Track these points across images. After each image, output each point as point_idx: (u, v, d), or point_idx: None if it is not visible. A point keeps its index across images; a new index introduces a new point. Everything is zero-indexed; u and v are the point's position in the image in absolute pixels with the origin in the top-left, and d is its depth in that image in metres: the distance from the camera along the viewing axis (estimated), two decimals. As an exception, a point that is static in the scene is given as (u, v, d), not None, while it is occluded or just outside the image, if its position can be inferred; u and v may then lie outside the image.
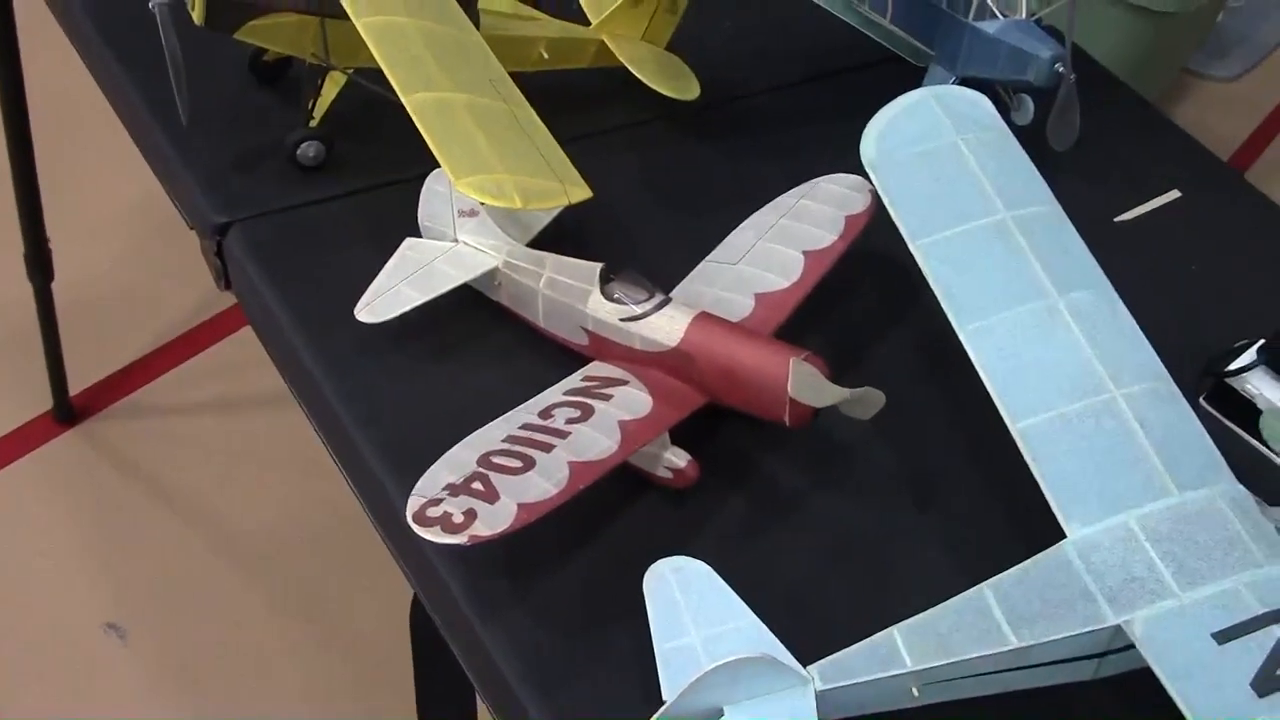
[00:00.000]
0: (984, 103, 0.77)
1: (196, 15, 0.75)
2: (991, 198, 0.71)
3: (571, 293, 0.70)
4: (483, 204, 0.71)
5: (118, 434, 1.63)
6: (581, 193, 0.71)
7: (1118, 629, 0.58)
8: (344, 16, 0.75)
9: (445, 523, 0.57)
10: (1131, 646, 0.58)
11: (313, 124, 0.80)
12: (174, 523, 1.58)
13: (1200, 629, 0.57)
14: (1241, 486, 0.63)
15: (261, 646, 1.45)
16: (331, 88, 0.80)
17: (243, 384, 1.73)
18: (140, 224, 1.80)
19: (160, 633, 1.46)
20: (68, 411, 1.58)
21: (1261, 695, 0.54)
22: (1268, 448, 0.75)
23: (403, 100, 0.69)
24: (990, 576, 0.60)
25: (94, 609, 1.46)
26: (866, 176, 0.76)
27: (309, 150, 0.80)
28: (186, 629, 1.46)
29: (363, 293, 0.72)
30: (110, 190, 1.82)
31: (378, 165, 0.82)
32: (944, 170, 0.73)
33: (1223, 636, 0.56)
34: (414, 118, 0.68)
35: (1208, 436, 0.64)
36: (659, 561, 0.61)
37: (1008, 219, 0.70)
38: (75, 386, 1.60)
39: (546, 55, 0.86)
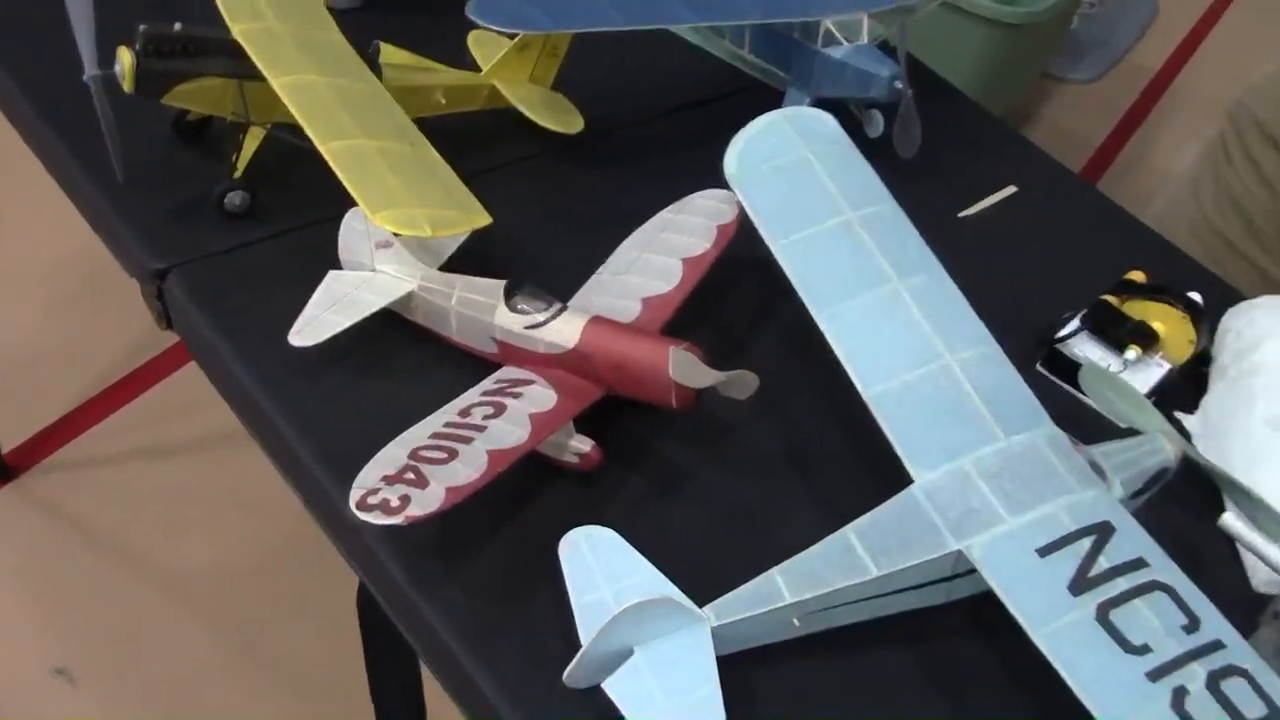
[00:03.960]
0: (829, 120, 0.88)
1: (127, 84, 0.84)
2: (838, 201, 0.82)
3: (480, 308, 0.79)
4: (397, 235, 0.81)
5: (53, 487, 1.68)
6: (483, 219, 0.81)
7: (960, 554, 0.69)
8: (260, 78, 0.84)
9: (384, 507, 0.66)
10: (974, 571, 0.69)
11: (236, 175, 0.89)
12: (116, 568, 1.63)
13: (1026, 547, 0.68)
14: (1058, 429, 0.74)
15: (208, 681, 1.51)
16: (251, 142, 0.88)
17: (171, 431, 1.79)
18: (65, 280, 1.85)
19: (108, 674, 1.52)
20: (1, 469, 1.63)
21: (1076, 594, 0.65)
22: (1088, 398, 0.87)
23: (320, 149, 0.78)
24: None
25: (42, 654, 1.52)
26: (732, 191, 0.87)
27: (235, 199, 0.89)
28: (134, 669, 1.52)
29: (294, 322, 0.80)
30: (33, 247, 1.87)
31: (298, 208, 0.90)
32: (797, 180, 0.83)
33: (1044, 551, 0.67)
34: (331, 163, 0.77)
35: (1028, 390, 0.75)
36: (572, 531, 0.71)
37: (853, 219, 0.81)
38: (7, 444, 1.66)
39: (444, 101, 0.96)
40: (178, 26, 0.84)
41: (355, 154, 0.78)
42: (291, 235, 0.90)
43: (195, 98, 0.86)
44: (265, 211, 0.90)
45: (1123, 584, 0.65)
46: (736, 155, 0.85)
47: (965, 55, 2.18)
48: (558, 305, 0.78)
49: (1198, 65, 2.98)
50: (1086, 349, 0.90)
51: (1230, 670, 0.62)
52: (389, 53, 0.93)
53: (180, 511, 1.70)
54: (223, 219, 0.89)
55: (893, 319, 0.77)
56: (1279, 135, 1.13)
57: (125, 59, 0.83)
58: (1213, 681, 0.61)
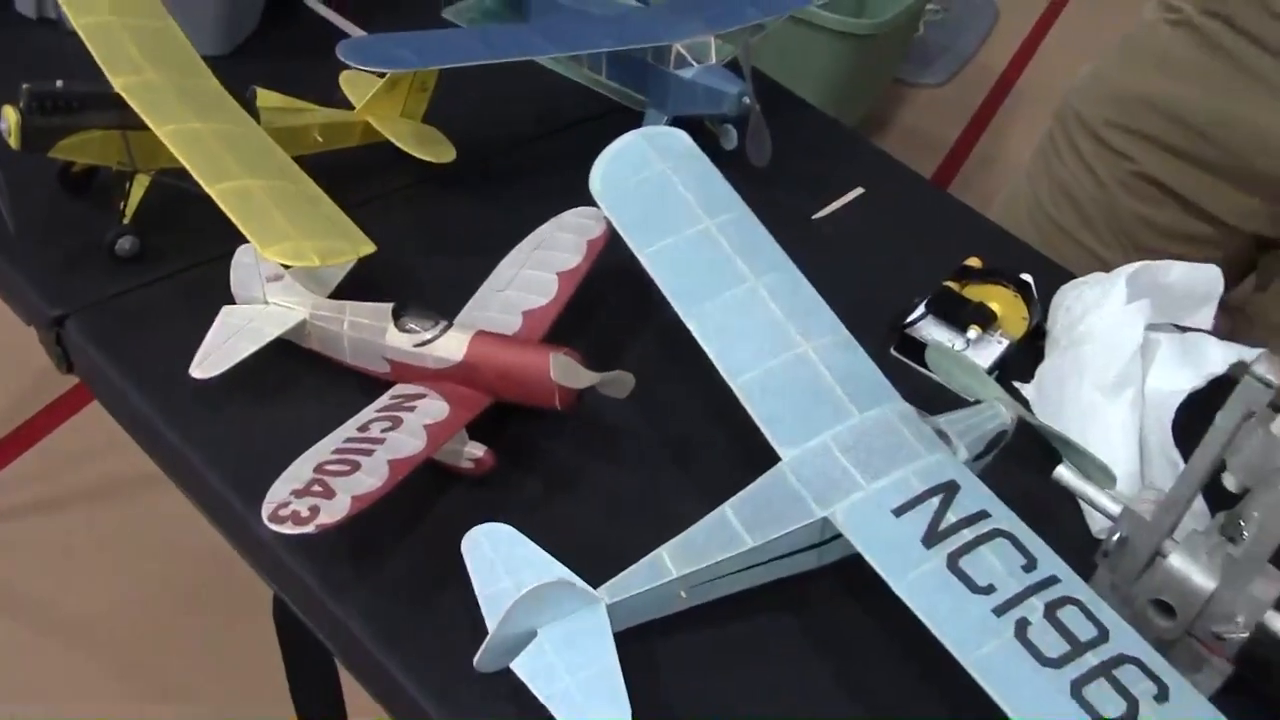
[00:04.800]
0: (683, 137, 0.95)
1: (14, 141, 0.87)
2: (696, 211, 0.89)
3: (371, 330, 0.84)
4: (287, 267, 0.86)
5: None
6: (368, 247, 0.86)
7: (826, 521, 0.76)
8: (143, 127, 0.88)
9: (295, 518, 0.71)
10: (840, 536, 0.76)
11: (126, 221, 0.93)
12: (16, 621, 1.64)
13: (883, 509, 0.75)
14: (906, 403, 0.81)
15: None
16: (138, 189, 0.92)
17: (60, 483, 1.80)
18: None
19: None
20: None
21: (929, 547, 0.73)
22: (936, 375, 0.95)
23: (208, 191, 0.83)
24: (730, 500, 0.78)
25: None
26: (599, 208, 0.93)
27: (125, 244, 0.92)
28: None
29: (192, 356, 0.85)
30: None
31: (187, 249, 0.94)
32: (657, 194, 0.90)
33: (899, 511, 0.74)
34: (220, 204, 0.82)
35: (877, 369, 0.83)
36: (473, 529, 0.76)
37: (710, 226, 0.88)
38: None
39: (320, 139, 1.00)
40: (60, 84, 0.88)
41: (242, 194, 0.83)
42: (183, 275, 0.94)
43: (81, 150, 0.90)
44: (156, 254, 0.94)
45: (968, 534, 0.73)
46: (600, 174, 0.92)
47: (818, 68, 2.29)
48: (444, 323, 0.84)
49: (1037, 65, 3.14)
50: (933, 331, 0.98)
51: (1064, 600, 0.70)
52: (265, 96, 0.97)
53: (76, 561, 1.71)
54: (115, 264, 0.93)
55: (752, 314, 0.84)
56: (1099, 129, 1.23)
57: (11, 117, 0.87)
58: (1049, 611, 0.69)
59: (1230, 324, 1.29)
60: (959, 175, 2.76)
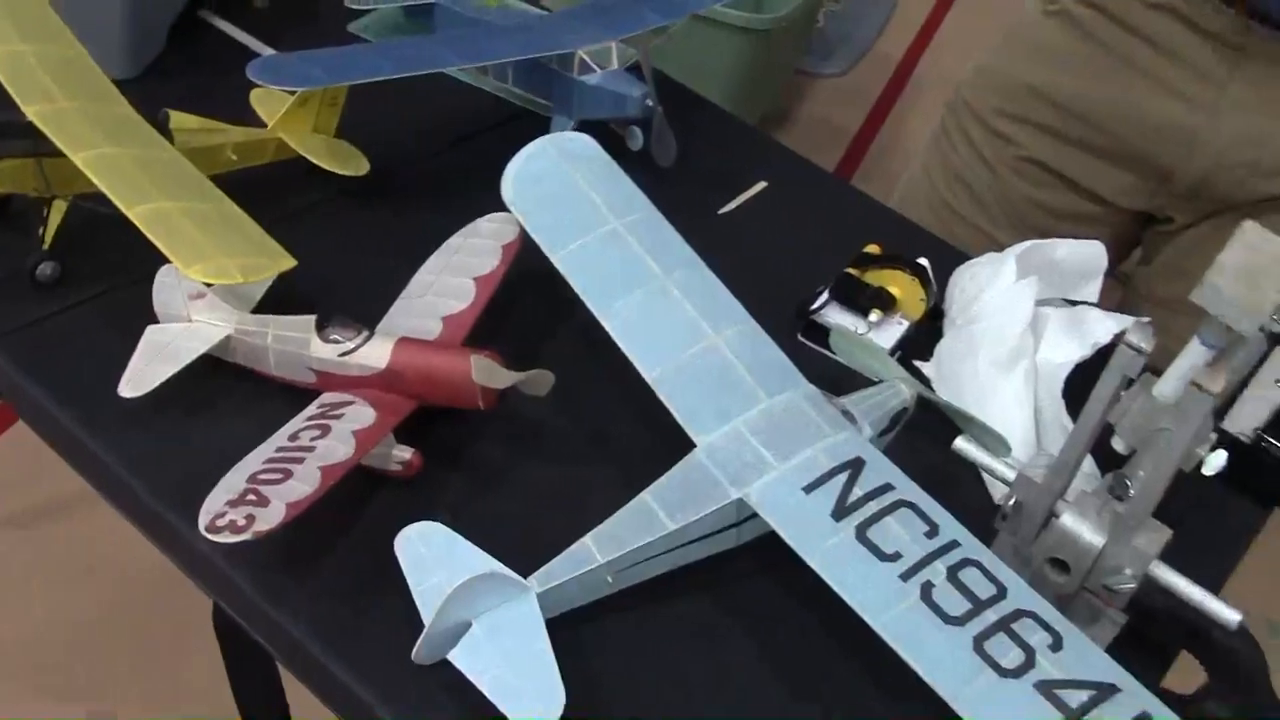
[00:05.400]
0: (589, 141, 0.98)
1: (-71, 177, 0.89)
2: (604, 212, 0.93)
3: (295, 343, 0.87)
4: (209, 285, 0.88)
5: None
6: (288, 262, 0.88)
7: (741, 502, 0.80)
8: (58, 154, 0.90)
9: (231, 527, 0.73)
10: (755, 515, 0.80)
11: (45, 247, 0.94)
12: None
13: (794, 487, 0.79)
14: (812, 386, 0.86)
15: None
16: (56, 215, 0.94)
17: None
18: None
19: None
20: None
21: (838, 520, 0.77)
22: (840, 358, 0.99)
23: (128, 214, 0.85)
24: (650, 488, 0.81)
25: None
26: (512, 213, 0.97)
27: (46, 269, 0.94)
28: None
29: (119, 376, 0.87)
30: None
31: (108, 271, 0.96)
32: (566, 198, 0.94)
33: (809, 488, 0.79)
34: (140, 227, 0.84)
35: (784, 356, 0.87)
36: (405, 529, 0.79)
37: (619, 226, 0.92)
38: None
39: (235, 157, 1.02)
40: (-29, 116, 0.90)
41: (161, 216, 0.85)
42: (106, 297, 0.95)
43: (-2, 179, 0.91)
44: (77, 278, 0.96)
45: (874, 506, 0.77)
46: (511, 181, 0.95)
47: (721, 64, 2.34)
48: (366, 331, 0.87)
49: (934, 52, 3.22)
50: (837, 316, 1.03)
51: (965, 563, 0.75)
52: (178, 119, 0.99)
53: (7, 581, 1.71)
54: (37, 289, 0.94)
55: (664, 310, 0.88)
56: (988, 117, 1.29)
57: (-76, 151, 0.88)
58: (951, 574, 0.74)
59: (1121, 296, 1.36)
60: (863, 162, 2.82)
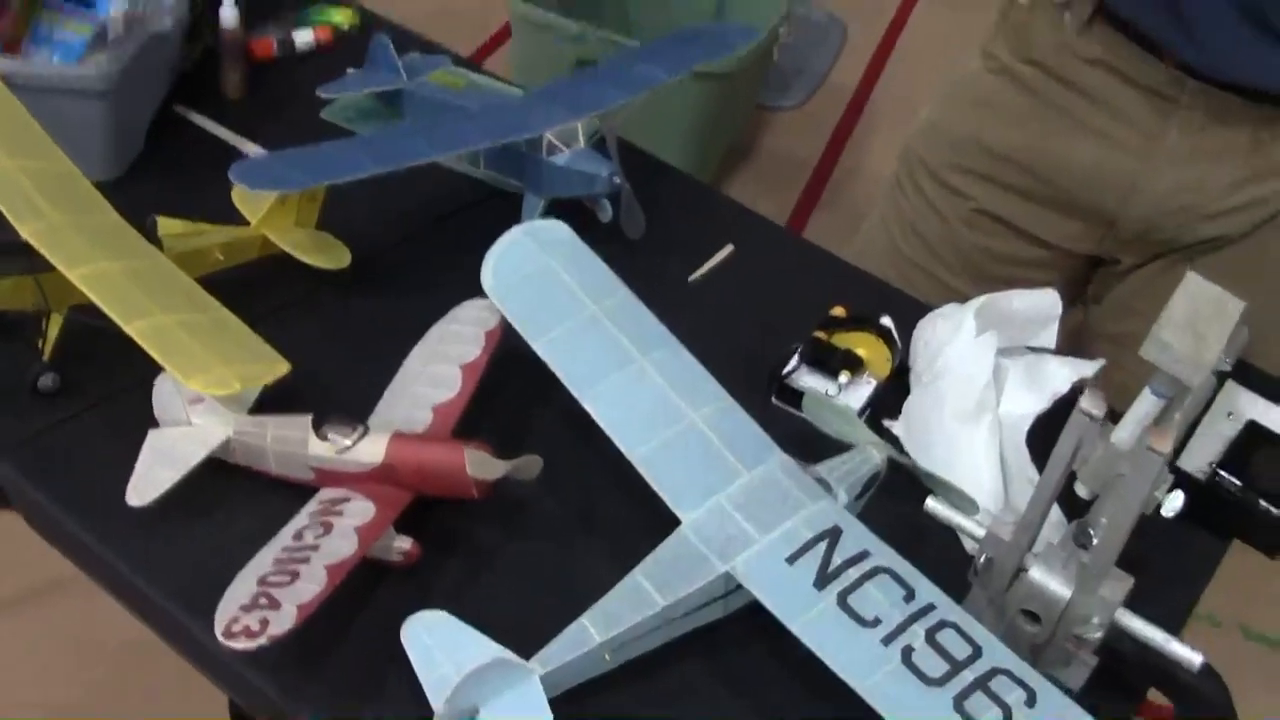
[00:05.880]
0: (563, 228, 1.03)
1: (-70, 296, 0.92)
2: (581, 299, 0.97)
3: (293, 442, 0.91)
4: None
5: None
6: (282, 366, 0.92)
7: (728, 575, 0.84)
8: (52, 269, 0.94)
9: (247, 633, 0.77)
10: (741, 587, 0.85)
11: (45, 360, 0.98)
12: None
13: (777, 558, 0.84)
14: (786, 456, 0.90)
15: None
16: (54, 328, 0.97)
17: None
18: None
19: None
20: None
21: (820, 589, 0.82)
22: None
23: (126, 330, 0.89)
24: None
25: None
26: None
27: (47, 380, 0.98)
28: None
29: (124, 480, 0.90)
30: None
31: (107, 378, 0.99)
32: (544, 285, 0.98)
33: (791, 559, 0.83)
34: (139, 342, 0.88)
35: (759, 429, 0.92)
36: (409, 619, 0.83)
37: (596, 311, 0.96)
38: None
39: (222, 257, 1.06)
40: (-31, 238, 0.93)
41: (158, 330, 0.89)
42: (106, 404, 0.99)
43: (-4, 297, 0.95)
44: (77, 386, 0.99)
45: (854, 574, 0.82)
46: (491, 271, 1.00)
47: (686, 108, 2.39)
48: (361, 428, 0.91)
49: (887, 79, 3.29)
50: (808, 379, 1.07)
51: (941, 625, 0.79)
52: (165, 224, 1.03)
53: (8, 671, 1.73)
54: (39, 400, 0.98)
55: (643, 390, 0.93)
56: (939, 171, 1.34)
57: (-74, 275, 0.92)
58: (930, 636, 0.79)
59: (1071, 341, 1.41)
60: (825, 193, 2.88)
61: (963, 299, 1.23)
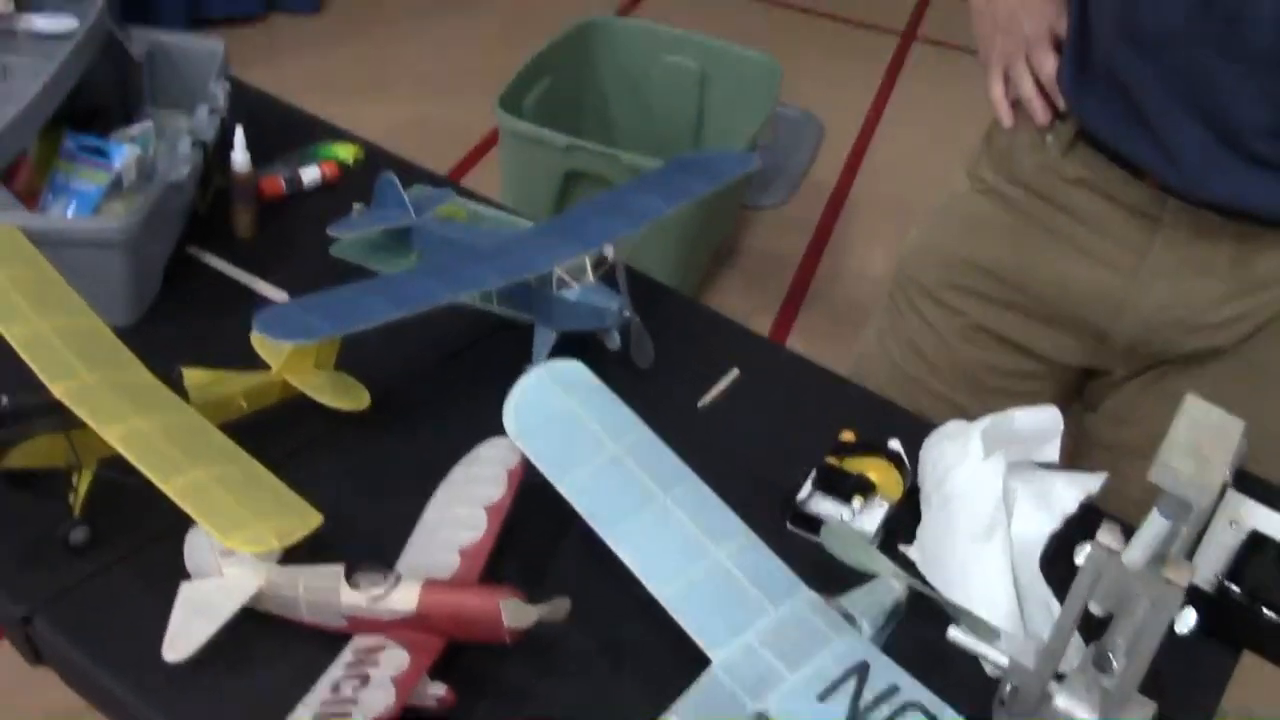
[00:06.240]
0: (581, 368, 1.06)
1: (-38, 465, 0.94)
2: (602, 438, 1.00)
3: (326, 592, 0.92)
4: (244, 547, 0.93)
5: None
6: (315, 519, 0.94)
7: (760, 714, 0.86)
8: (83, 425, 0.96)
9: (293, 793, 0.78)
10: (774, 721, 0.87)
11: (76, 515, 0.99)
12: None
13: (809, 695, 0.85)
14: (812, 592, 0.93)
15: None
16: (84, 483, 0.99)
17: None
18: None
19: None
20: None
21: (852, 727, 0.84)
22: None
23: (163, 488, 0.91)
24: (671, 703, 0.87)
25: None
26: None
27: (78, 535, 0.99)
28: None
29: (157, 632, 0.91)
30: None
31: (135, 528, 1.00)
32: (565, 426, 1.01)
33: (822, 696, 0.85)
34: (176, 500, 0.90)
35: (783, 564, 0.94)
36: (448, 769, 0.85)
37: (617, 451, 0.99)
38: None
39: (245, 405, 1.09)
40: (4, 400, 0.95)
41: (194, 487, 0.91)
42: (137, 556, 1.00)
43: (29, 456, 0.96)
44: (107, 538, 1.01)
45: (885, 709, 0.84)
46: (513, 412, 1.02)
47: (673, 218, 2.42)
48: (394, 575, 0.92)
49: (865, 175, 3.36)
50: (822, 505, 1.10)
51: (972, 758, 0.81)
52: (190, 375, 1.05)
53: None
54: (71, 554, 0.99)
55: (667, 529, 0.95)
56: (934, 289, 1.38)
57: (-39, 440, 0.94)
58: (962, 769, 0.80)
59: (1071, 443, 1.44)
60: (810, 290, 2.93)
61: (961, 411, 1.27)
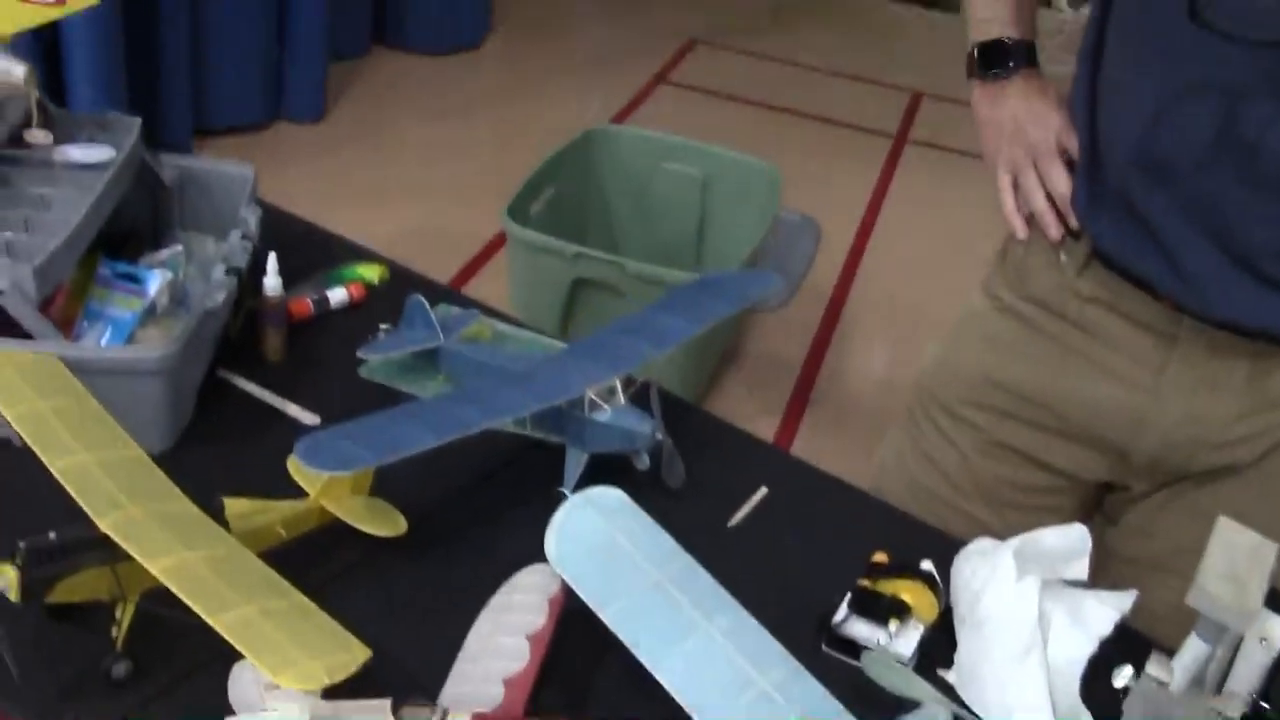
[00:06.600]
0: (620, 495, 1.07)
1: (14, 596, 0.94)
2: (644, 566, 1.01)
3: (373, 726, 0.93)
4: (295, 684, 0.93)
5: None
6: (364, 654, 0.94)
7: (813, 847, 0.86)
8: (129, 558, 0.96)
9: None
10: None
11: (118, 648, 0.99)
12: None
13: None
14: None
15: None
16: (127, 615, 0.99)
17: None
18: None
19: None
20: None
21: None
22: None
23: (211, 623, 0.91)
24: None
25: None
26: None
27: (119, 669, 0.99)
28: None
29: (201, 770, 0.91)
30: None
31: (177, 660, 1.00)
32: (608, 554, 1.02)
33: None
34: (226, 636, 0.90)
35: (828, 693, 0.94)
36: None
37: (660, 579, 1.00)
38: None
39: (284, 532, 1.09)
40: (53, 535, 0.96)
41: (243, 622, 0.91)
42: (178, 689, 1.00)
43: (75, 589, 0.97)
44: (148, 672, 1.00)
45: (940, 842, 0.84)
46: (555, 539, 1.03)
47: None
48: (440, 710, 0.93)
49: (863, 277, 3.40)
50: (857, 628, 1.10)
51: None
52: (231, 505, 1.06)
53: None
54: (113, 688, 0.99)
55: (712, 657, 0.95)
56: (953, 406, 1.40)
57: (10, 575, 0.94)
58: None
59: (1092, 556, 1.45)
60: (813, 393, 2.95)
61: (980, 525, 1.28)
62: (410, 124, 3.91)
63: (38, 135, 1.31)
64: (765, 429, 2.74)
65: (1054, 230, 1.28)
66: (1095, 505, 1.44)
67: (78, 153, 1.31)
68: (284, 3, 3.60)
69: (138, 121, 1.41)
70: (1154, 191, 1.17)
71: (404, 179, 3.61)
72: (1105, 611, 1.10)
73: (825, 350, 3.09)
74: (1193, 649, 0.98)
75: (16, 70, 1.25)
